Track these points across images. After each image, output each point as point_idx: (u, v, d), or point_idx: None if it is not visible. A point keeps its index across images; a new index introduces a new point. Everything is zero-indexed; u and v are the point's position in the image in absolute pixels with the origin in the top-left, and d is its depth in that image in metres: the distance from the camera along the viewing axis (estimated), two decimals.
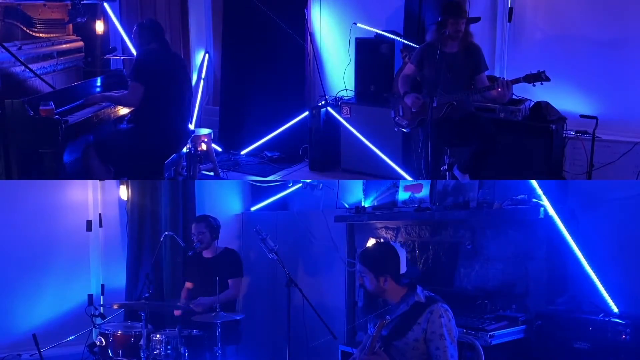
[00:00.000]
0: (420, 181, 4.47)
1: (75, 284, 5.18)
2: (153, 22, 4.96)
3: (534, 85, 4.28)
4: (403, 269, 2.90)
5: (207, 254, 4.71)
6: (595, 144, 4.83)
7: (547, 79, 4.21)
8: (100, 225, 5.35)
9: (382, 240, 4.52)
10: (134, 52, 6.12)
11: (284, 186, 5.70)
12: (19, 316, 4.91)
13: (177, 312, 4.50)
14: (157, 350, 4.05)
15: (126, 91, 4.80)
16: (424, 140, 4.55)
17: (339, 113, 6.05)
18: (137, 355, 4.03)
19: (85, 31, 5.66)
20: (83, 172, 4.73)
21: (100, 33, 5.76)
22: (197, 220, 4.75)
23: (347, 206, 4.96)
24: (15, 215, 5.01)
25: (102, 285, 5.16)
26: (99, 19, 5.75)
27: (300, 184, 5.47)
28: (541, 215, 3.47)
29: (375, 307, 2.97)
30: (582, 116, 4.95)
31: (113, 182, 5.29)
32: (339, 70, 6.38)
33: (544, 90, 4.43)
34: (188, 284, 4.79)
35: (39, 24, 5.11)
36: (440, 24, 4.52)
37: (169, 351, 4.05)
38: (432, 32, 4.66)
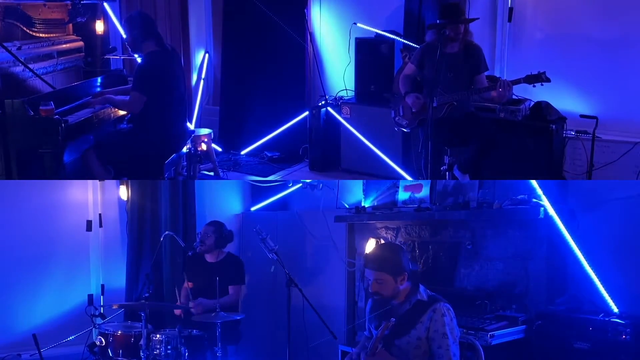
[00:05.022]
0: (420, 181, 4.47)
1: (75, 284, 5.17)
2: (142, 14, 4.80)
3: (534, 86, 4.28)
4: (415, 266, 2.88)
5: (210, 258, 4.72)
6: (595, 144, 4.83)
7: (548, 80, 4.21)
8: (100, 225, 5.35)
9: (382, 240, 4.52)
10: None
11: (284, 186, 5.69)
12: (19, 316, 4.90)
13: (177, 312, 4.50)
14: (157, 350, 4.04)
15: (127, 97, 4.69)
16: (424, 140, 4.55)
17: (339, 113, 6.04)
18: (137, 355, 4.02)
19: (85, 31, 5.66)
20: (83, 172, 4.73)
21: (100, 33, 5.76)
22: (208, 224, 4.77)
23: (347, 206, 4.96)
24: (15, 215, 5.00)
25: (102, 285, 5.16)
26: (99, 19, 5.75)
27: (300, 184, 5.47)
28: (541, 215, 3.46)
29: (381, 308, 2.93)
30: (582, 116, 4.95)
31: (113, 182, 5.29)
32: (339, 70, 6.38)
33: (544, 90, 4.43)
34: (189, 284, 4.80)
35: (39, 24, 5.11)
36: (438, 25, 4.51)
37: (169, 351, 4.04)
38: (432, 32, 4.65)
